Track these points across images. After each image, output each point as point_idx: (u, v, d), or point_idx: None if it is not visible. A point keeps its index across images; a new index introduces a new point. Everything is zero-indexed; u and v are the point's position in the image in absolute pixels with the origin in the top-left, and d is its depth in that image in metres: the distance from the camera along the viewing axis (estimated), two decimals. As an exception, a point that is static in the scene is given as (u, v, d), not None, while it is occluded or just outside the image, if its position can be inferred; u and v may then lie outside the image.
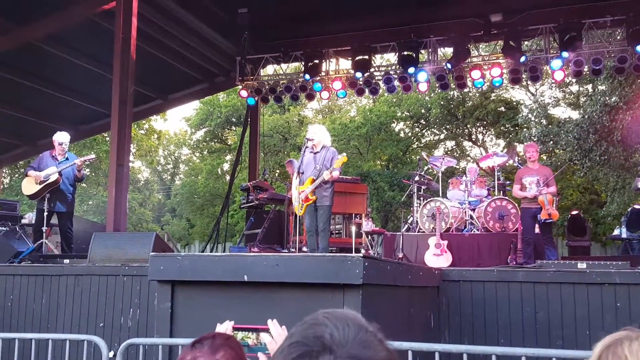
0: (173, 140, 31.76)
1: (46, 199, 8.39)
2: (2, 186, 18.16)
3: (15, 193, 19.43)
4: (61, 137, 8.85)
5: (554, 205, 8.51)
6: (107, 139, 14.36)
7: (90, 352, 4.46)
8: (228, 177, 17.32)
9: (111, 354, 4.33)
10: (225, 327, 2.49)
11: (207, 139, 28.87)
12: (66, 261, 7.53)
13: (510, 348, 4.00)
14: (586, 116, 18.70)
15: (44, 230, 8.37)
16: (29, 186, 8.50)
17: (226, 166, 27.04)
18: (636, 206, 12.35)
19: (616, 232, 13.71)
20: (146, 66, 11.66)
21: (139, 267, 6.16)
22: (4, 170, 20.16)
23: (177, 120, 47.08)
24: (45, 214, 8.35)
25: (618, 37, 11.88)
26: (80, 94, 13.81)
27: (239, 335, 2.63)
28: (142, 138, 27.73)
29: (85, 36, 11.32)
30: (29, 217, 10.87)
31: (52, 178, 8.40)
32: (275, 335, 2.29)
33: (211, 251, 13.83)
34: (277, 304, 4.22)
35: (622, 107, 17.51)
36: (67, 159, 8.75)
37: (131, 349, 4.27)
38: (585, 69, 11.85)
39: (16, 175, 25.65)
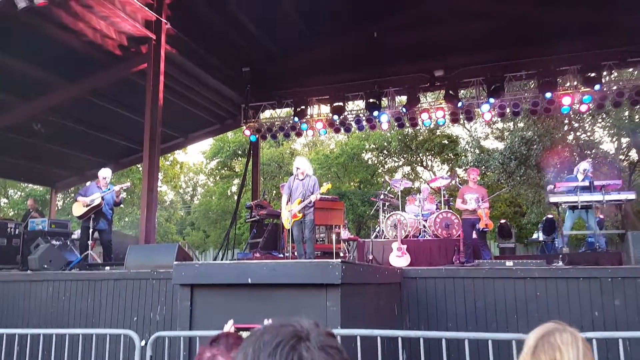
0: (192, 169, 31.49)
1: (91, 219, 8.22)
2: (56, 208, 17.80)
3: (67, 214, 19.06)
4: (104, 173, 8.72)
5: (488, 217, 8.48)
6: (140, 169, 14.19)
7: (127, 343, 4.30)
8: (236, 197, 17.11)
9: (142, 342, 4.18)
10: (228, 327, 2.37)
11: (219, 167, 28.63)
12: (107, 268, 7.36)
13: (455, 333, 3.92)
14: (508, 146, 18.86)
15: (89, 244, 8.18)
16: (78, 209, 8.33)
17: (234, 188, 26.77)
18: (549, 216, 12.35)
19: (535, 236, 13.70)
20: (171, 112, 11.59)
21: (165, 272, 6.01)
22: (58, 195, 19.78)
23: (195, 153, 46.84)
24: (90, 230, 8.19)
25: (532, 87, 12.02)
26: (119, 134, 13.69)
27: (243, 334, 2.51)
28: (168, 168, 27.50)
29: (123, 90, 11.26)
30: (77, 233, 10.60)
31: (96, 202, 8.25)
32: None
33: (222, 256, 13.62)
34: (275, 301, 4.12)
35: (536, 140, 17.72)
36: (109, 188, 8.62)
37: (159, 340, 4.12)
38: (507, 111, 11.93)
39: (67, 200, 25.21)
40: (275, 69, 13.30)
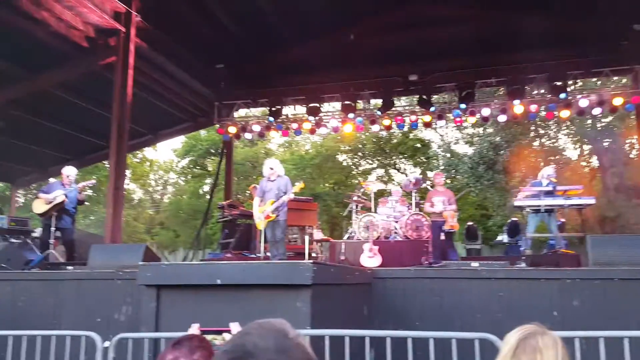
0: (162, 167, 30.92)
1: (53, 217, 7.98)
2: (17, 205, 17.23)
3: (28, 211, 18.50)
4: (69, 171, 8.40)
5: (455, 219, 8.63)
6: (107, 166, 13.89)
7: (88, 345, 4.20)
8: (208, 197, 16.94)
9: (107, 343, 4.10)
10: (193, 330, 2.33)
11: (191, 166, 28.21)
12: (69, 268, 7.16)
13: (421, 332, 3.98)
14: (477, 151, 19.24)
15: (51, 242, 7.94)
16: (39, 206, 8.03)
17: (206, 188, 26.44)
18: (514, 219, 12.62)
19: (500, 237, 13.96)
20: (140, 108, 11.35)
21: (131, 272, 5.86)
22: (19, 192, 19.16)
23: (166, 151, 46.19)
24: (53, 229, 7.93)
25: (501, 94, 12.29)
26: (85, 129, 13.32)
27: (208, 337, 2.48)
28: (137, 165, 26.93)
29: (90, 84, 10.96)
30: (38, 232, 10.28)
31: (59, 199, 7.98)
32: None
33: (193, 257, 13.47)
34: (245, 302, 4.12)
35: (504, 145, 18.14)
36: (72, 187, 8.39)
37: (122, 342, 4.04)
38: (477, 116, 12.17)
39: (28, 197, 24.44)
40: (251, 67, 13.21)
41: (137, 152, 24.50)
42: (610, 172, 17.07)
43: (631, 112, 11.95)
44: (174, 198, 29.04)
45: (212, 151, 25.89)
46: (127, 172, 24.92)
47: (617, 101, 11.09)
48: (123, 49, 9.12)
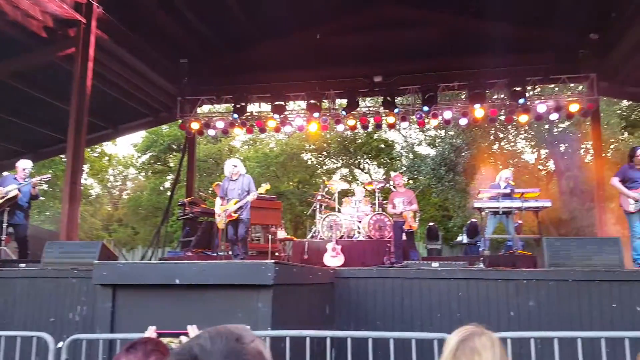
0: (122, 162, 30.16)
1: (5, 212, 7.64)
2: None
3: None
4: (24, 164, 8.07)
5: (416, 219, 8.76)
6: (64, 160, 13.43)
7: (40, 346, 4.04)
8: (169, 194, 16.61)
9: (60, 344, 3.94)
10: (149, 333, 2.25)
11: (152, 161, 27.59)
12: (22, 265, 6.87)
13: (381, 332, 4.01)
14: (439, 153, 19.61)
15: (2, 239, 7.60)
16: (-9, 201, 7.71)
17: (167, 184, 25.94)
18: (473, 220, 12.90)
19: (459, 238, 14.25)
20: (100, 101, 11.07)
21: (87, 270, 5.68)
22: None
23: (126, 146, 44.97)
24: (5, 224, 7.60)
25: (463, 97, 12.54)
26: (41, 122, 12.84)
27: (164, 340, 2.40)
28: (95, 160, 26.18)
29: (47, 75, 10.60)
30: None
31: (12, 194, 7.65)
32: None
33: (152, 255, 13.16)
34: (204, 302, 4.04)
35: (464, 147, 18.55)
36: (27, 181, 8.04)
37: (76, 343, 3.90)
38: (440, 119, 12.38)
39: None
40: (215, 63, 13.03)
41: (96, 146, 23.92)
42: (565, 176, 17.71)
43: (587, 118, 12.44)
44: (133, 194, 28.40)
45: (174, 147, 25.44)
46: (85, 167, 24.21)
47: (574, 107, 11.49)
48: (83, 40, 8.88)
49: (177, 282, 4.03)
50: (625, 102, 18.53)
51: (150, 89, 12.88)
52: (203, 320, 3.91)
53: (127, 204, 27.69)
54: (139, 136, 26.44)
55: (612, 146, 17.69)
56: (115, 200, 30.10)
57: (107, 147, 26.83)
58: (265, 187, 7.78)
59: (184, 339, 2.18)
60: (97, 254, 6.14)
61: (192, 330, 2.17)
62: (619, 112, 18.63)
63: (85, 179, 26.12)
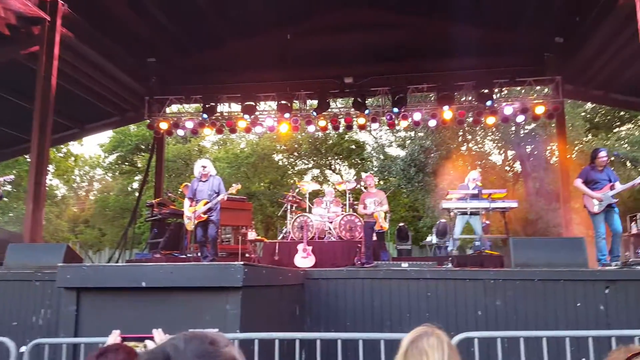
0: (88, 162, 29.44)
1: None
2: None
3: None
4: None
5: (387, 220, 8.82)
6: (29, 160, 13.02)
7: (2, 351, 3.88)
8: (137, 194, 16.27)
9: (23, 348, 3.80)
10: (113, 338, 2.17)
11: (119, 162, 27.02)
12: (-18, 269, 6.63)
13: (350, 334, 4.01)
14: (409, 154, 19.83)
15: (-38, 241, 7.32)
16: (-50, 202, 7.42)
17: (135, 185, 25.43)
18: (442, 220, 13.08)
19: (429, 238, 14.41)
20: (65, 100, 10.80)
21: (51, 273, 5.52)
22: None
23: (92, 145, 43.87)
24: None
25: (432, 99, 12.70)
26: (5, 122, 12.46)
27: (129, 344, 2.32)
28: (60, 160, 25.50)
29: (11, 73, 10.27)
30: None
31: (-26, 195, 7.40)
32: (159, 342, 2.04)
33: (119, 257, 12.88)
34: (172, 305, 3.96)
35: (434, 148, 18.80)
36: None
37: (39, 347, 3.76)
38: (409, 120, 12.50)
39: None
40: (184, 62, 12.85)
41: (61, 146, 23.34)
42: (532, 177, 18.15)
43: (552, 120, 12.77)
44: (100, 195, 27.77)
45: (142, 147, 24.99)
46: (50, 167, 23.53)
47: (539, 110, 11.78)
48: (47, 38, 8.71)
49: (144, 284, 3.94)
50: (589, 105, 19.11)
51: (118, 88, 12.64)
52: (170, 323, 3.86)
53: (93, 205, 27.05)
54: (105, 136, 25.95)
55: (576, 148, 18.20)
56: (81, 201, 29.39)
57: (73, 147, 26.23)
58: (235, 187, 7.68)
59: (149, 343, 2.11)
60: (61, 256, 5.99)
61: (158, 334, 2.11)
62: (583, 114, 19.20)
63: (51, 180, 25.46)
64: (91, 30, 10.41)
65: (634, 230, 9.38)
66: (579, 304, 5.21)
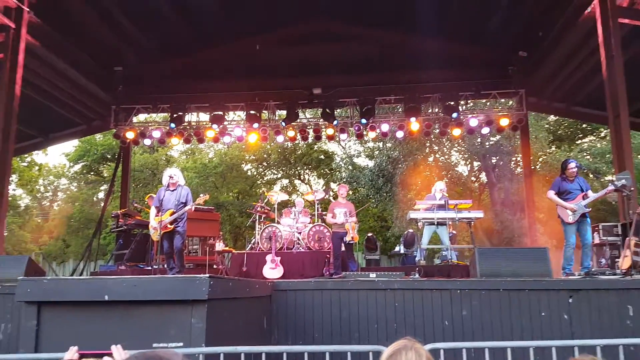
0: (53, 172, 28.61)
1: None
2: None
3: None
4: None
5: (355, 230, 8.82)
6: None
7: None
8: (102, 205, 15.86)
9: None
10: (71, 355, 2.10)
11: (85, 171, 26.37)
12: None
13: (317, 346, 3.98)
14: (377, 165, 20.00)
15: None
16: None
17: (101, 195, 24.81)
18: (409, 230, 13.19)
19: (397, 248, 14.50)
20: (30, 109, 10.51)
21: (12, 286, 5.30)
22: None
23: (57, 155, 42.77)
24: None
25: (399, 111, 12.88)
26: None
27: None
28: (24, 169, 24.72)
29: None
30: None
31: None
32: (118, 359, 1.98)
33: (84, 269, 12.49)
34: (136, 319, 3.85)
35: (401, 159, 19.03)
36: None
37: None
38: (378, 131, 12.63)
39: None
40: (152, 71, 12.68)
41: (25, 155, 22.65)
42: (497, 188, 18.56)
43: (517, 132, 13.11)
44: (64, 205, 26.97)
45: (108, 157, 24.47)
46: (13, 177, 22.76)
47: (504, 122, 12.07)
48: (12, 46, 8.55)
49: (107, 298, 3.82)
50: (552, 117, 19.71)
51: (84, 97, 12.38)
52: (135, 338, 3.76)
53: (58, 215, 26.25)
54: (71, 145, 25.31)
55: (540, 159, 18.71)
56: (45, 211, 28.49)
57: (38, 156, 25.49)
58: (203, 197, 7.54)
59: None
60: (23, 268, 5.81)
61: (117, 351, 2.04)
62: (546, 126, 19.77)
63: (14, 190, 24.69)
64: (58, 38, 10.23)
65: (597, 240, 9.65)
66: (543, 314, 5.29)
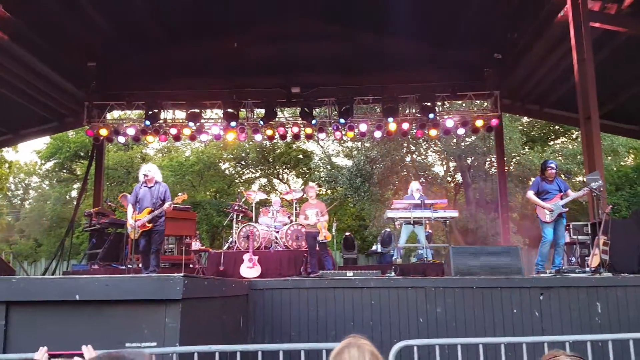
0: (23, 169, 27.91)
1: None
2: None
3: None
4: None
5: (327, 229, 8.80)
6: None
7: None
8: (75, 203, 15.56)
9: None
10: (40, 355, 2.06)
11: (57, 169, 25.78)
12: None
13: (292, 344, 3.98)
14: (355, 164, 20.09)
15: None
16: None
17: (74, 193, 24.31)
18: (387, 229, 13.30)
19: (374, 247, 14.61)
20: (-1, 105, 10.25)
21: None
22: None
23: (28, 152, 41.74)
24: None
25: (377, 111, 12.96)
26: None
27: None
28: (-7, 167, 24.04)
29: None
30: None
31: None
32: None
33: (56, 268, 12.24)
34: (107, 320, 3.78)
35: (379, 159, 19.15)
36: None
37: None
38: (356, 131, 12.69)
39: None
40: (126, 68, 12.47)
41: (-6, 152, 22.01)
42: (472, 188, 18.83)
43: (491, 133, 13.32)
44: (36, 204, 26.36)
45: (82, 154, 23.98)
46: (-20, 175, 22.16)
47: (479, 123, 12.27)
48: None
49: (78, 298, 3.75)
50: (525, 119, 20.08)
51: (55, 93, 12.12)
52: (107, 337, 3.70)
53: (29, 214, 25.64)
54: (42, 142, 24.72)
55: (514, 160, 19.03)
56: (16, 210, 27.81)
57: (8, 153, 24.79)
58: (181, 197, 7.44)
59: None
60: (-12, 269, 5.60)
61: (87, 351, 2.02)
62: (520, 128, 20.13)
63: (-18, 188, 23.95)
64: (27, 32, 9.97)
65: (567, 239, 9.90)
66: (515, 310, 5.41)
